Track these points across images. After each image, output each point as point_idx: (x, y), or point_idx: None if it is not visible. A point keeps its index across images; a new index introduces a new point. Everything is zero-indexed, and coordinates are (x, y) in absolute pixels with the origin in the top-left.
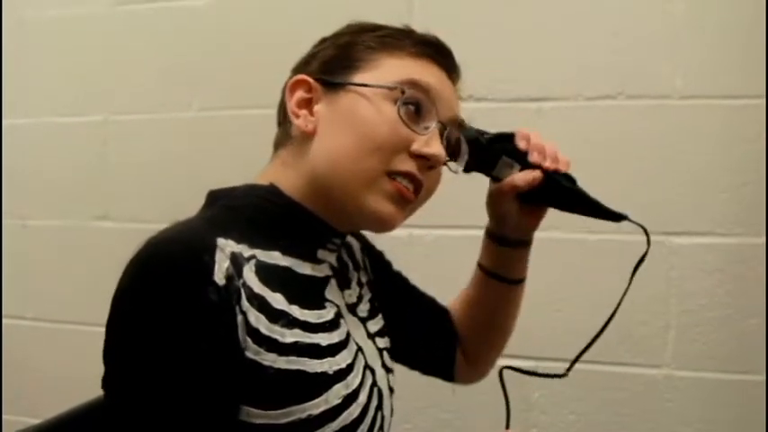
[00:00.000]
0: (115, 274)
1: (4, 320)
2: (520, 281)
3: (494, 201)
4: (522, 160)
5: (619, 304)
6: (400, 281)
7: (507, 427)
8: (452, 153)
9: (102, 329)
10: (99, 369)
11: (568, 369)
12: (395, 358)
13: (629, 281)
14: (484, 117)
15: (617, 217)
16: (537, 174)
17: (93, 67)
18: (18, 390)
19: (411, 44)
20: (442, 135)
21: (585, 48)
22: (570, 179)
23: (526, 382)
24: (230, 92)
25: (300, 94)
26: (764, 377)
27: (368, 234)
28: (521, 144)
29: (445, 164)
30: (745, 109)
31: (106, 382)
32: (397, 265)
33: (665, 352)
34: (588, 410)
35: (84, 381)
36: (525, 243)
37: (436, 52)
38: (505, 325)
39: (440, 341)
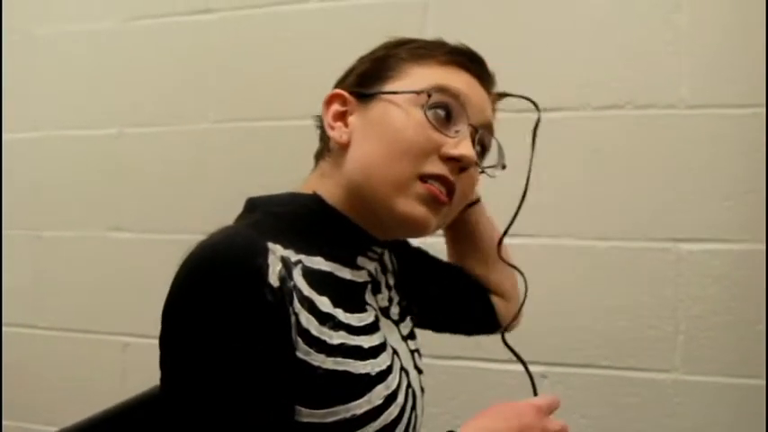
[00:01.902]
0: (129, 284)
1: (18, 329)
2: (477, 200)
3: None
4: None
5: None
6: (421, 256)
7: (534, 393)
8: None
9: (117, 338)
10: (114, 378)
11: None
12: (440, 330)
13: (532, 147)
14: None
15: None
16: None
17: (107, 82)
18: (30, 400)
19: (441, 53)
20: (474, 139)
21: (593, 59)
22: None
23: (537, 388)
24: (243, 104)
25: (336, 107)
26: (765, 381)
27: None
28: None
29: (483, 171)
30: (749, 118)
31: (166, 383)
32: None
33: (674, 356)
34: (599, 414)
35: (97, 390)
36: None
37: (468, 60)
38: (489, 240)
39: (474, 296)
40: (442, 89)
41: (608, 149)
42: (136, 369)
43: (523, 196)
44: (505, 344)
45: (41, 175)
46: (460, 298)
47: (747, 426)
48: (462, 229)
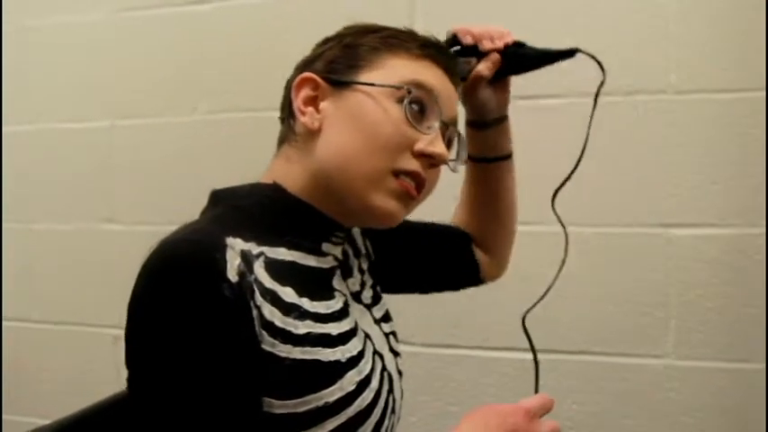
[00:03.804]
0: (121, 276)
1: (11, 323)
2: (509, 155)
3: (469, 96)
4: (475, 53)
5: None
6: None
7: (537, 379)
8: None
9: (109, 331)
10: (108, 370)
11: None
12: (426, 291)
13: (593, 109)
14: None
15: (570, 53)
16: (495, 57)
17: (98, 74)
18: (25, 392)
19: (414, 45)
20: (443, 135)
21: (580, 44)
22: (520, 45)
23: (528, 374)
24: (234, 95)
25: (307, 91)
26: (764, 365)
27: None
28: (467, 40)
29: (446, 162)
30: (740, 102)
31: (131, 382)
32: None
33: (666, 342)
34: (591, 401)
35: (91, 381)
36: (504, 117)
37: (437, 53)
38: (511, 202)
39: (456, 251)
40: (418, 85)
41: (596, 135)
42: None
43: (578, 161)
44: (525, 330)
45: (33, 167)
46: (442, 256)
47: (742, 411)
48: (488, 184)
